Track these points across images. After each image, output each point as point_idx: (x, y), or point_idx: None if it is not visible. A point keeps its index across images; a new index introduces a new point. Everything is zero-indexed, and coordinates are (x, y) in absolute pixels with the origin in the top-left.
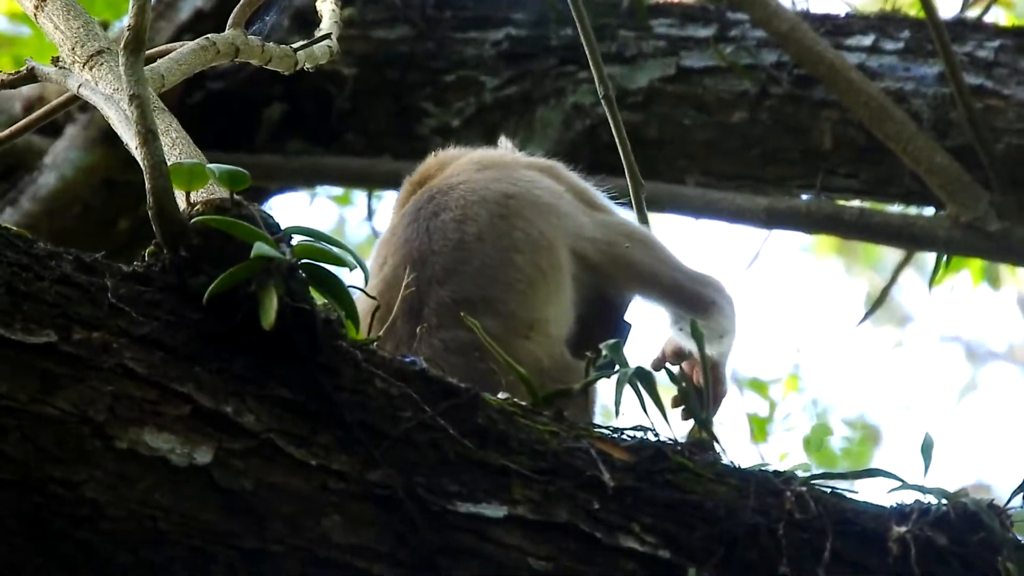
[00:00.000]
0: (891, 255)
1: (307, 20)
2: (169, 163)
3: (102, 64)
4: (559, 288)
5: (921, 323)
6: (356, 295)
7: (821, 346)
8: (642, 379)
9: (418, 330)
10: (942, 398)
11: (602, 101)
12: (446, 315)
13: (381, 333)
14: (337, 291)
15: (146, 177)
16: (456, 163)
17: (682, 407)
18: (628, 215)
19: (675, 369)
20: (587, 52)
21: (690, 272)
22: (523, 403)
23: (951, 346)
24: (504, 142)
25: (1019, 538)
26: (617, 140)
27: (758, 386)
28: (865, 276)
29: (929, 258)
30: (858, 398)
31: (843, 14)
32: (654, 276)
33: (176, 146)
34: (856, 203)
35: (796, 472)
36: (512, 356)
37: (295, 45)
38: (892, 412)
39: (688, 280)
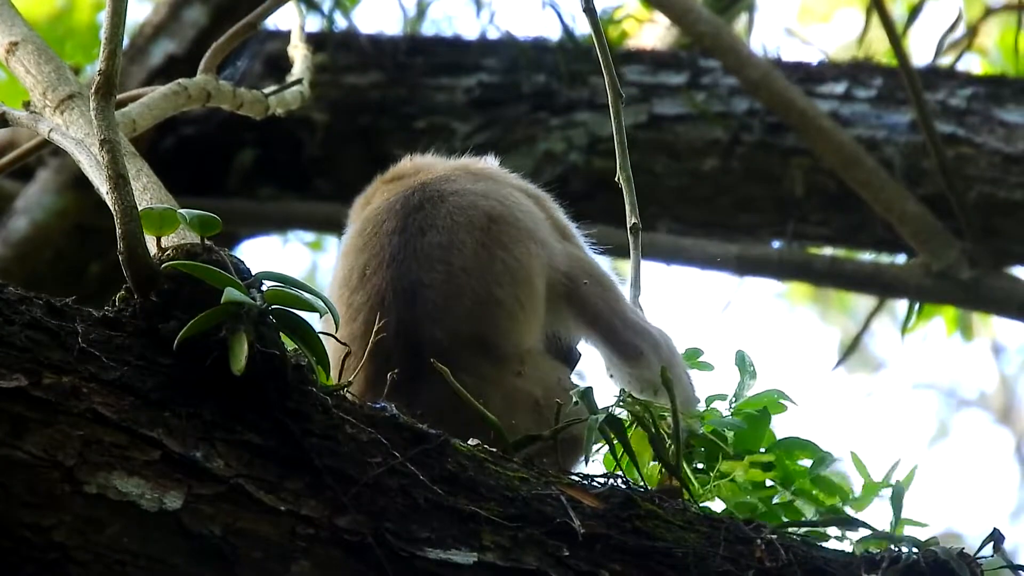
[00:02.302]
0: (865, 302)
1: (279, 66)
2: (140, 208)
3: (73, 109)
4: (537, 317)
5: (894, 370)
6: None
7: (794, 392)
8: (612, 425)
9: (426, 371)
10: (914, 445)
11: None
12: (444, 356)
13: (364, 362)
14: (307, 337)
15: (117, 222)
16: (442, 166)
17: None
18: (591, 253)
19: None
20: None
21: (631, 320)
22: (493, 449)
23: (924, 393)
24: (491, 159)
25: None
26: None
27: None
28: (839, 323)
29: (902, 305)
30: (830, 444)
31: (816, 62)
32: (596, 317)
33: (147, 191)
34: (828, 251)
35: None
36: (508, 396)
37: (267, 90)
38: (864, 458)
39: (624, 327)
